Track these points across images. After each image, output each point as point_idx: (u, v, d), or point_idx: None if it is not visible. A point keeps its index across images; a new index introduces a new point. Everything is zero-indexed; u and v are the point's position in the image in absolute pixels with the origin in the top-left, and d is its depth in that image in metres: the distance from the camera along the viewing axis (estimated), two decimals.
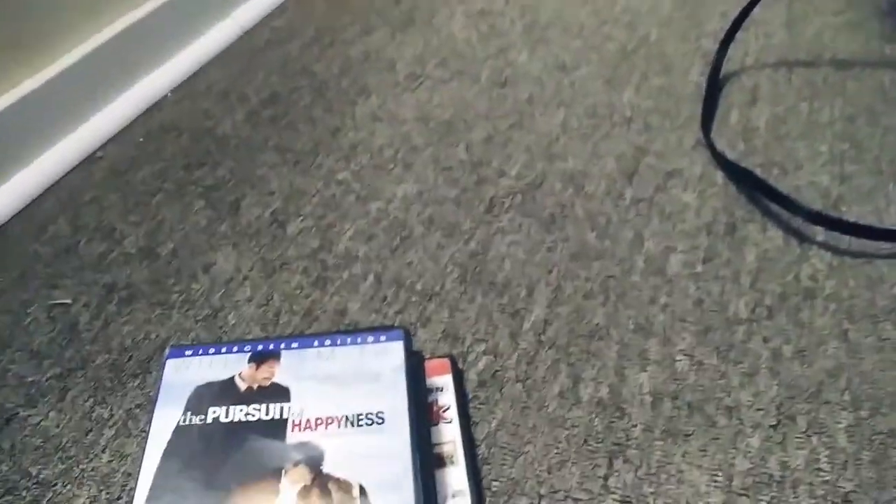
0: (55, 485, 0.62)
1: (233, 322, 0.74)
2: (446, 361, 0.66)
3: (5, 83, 0.87)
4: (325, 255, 0.80)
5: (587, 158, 0.89)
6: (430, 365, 0.65)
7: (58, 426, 0.66)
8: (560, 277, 0.75)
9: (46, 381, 0.70)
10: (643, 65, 1.04)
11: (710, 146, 0.88)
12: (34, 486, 0.62)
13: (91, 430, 0.66)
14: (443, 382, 0.64)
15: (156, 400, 0.57)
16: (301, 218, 0.84)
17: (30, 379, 0.70)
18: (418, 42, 1.13)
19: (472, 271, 0.77)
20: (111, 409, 0.67)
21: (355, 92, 1.03)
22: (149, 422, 0.56)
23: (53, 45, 0.92)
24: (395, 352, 0.60)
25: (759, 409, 0.63)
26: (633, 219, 0.81)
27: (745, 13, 1.00)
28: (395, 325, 0.70)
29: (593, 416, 0.63)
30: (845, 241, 0.76)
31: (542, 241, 0.79)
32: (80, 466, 0.63)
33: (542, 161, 0.89)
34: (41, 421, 0.67)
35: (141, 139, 0.97)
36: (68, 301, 0.77)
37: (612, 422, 0.62)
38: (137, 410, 0.67)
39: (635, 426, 0.62)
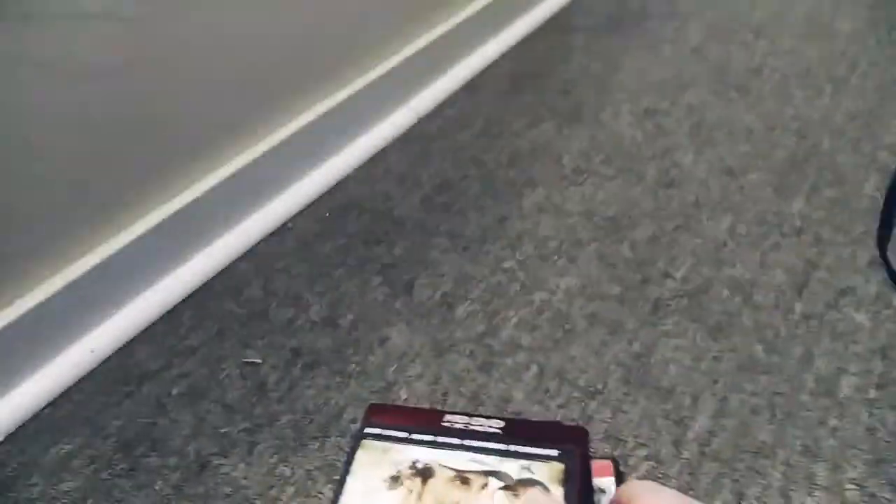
0: None
1: (404, 397, 0.79)
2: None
3: (217, 162, 0.99)
4: (490, 341, 0.84)
5: (755, 268, 0.89)
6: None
7: (245, 478, 0.73)
8: (726, 389, 0.75)
9: (237, 433, 0.78)
10: (814, 174, 1.04)
11: (887, 265, 0.86)
12: None
13: (274, 486, 0.72)
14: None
15: (345, 474, 0.62)
16: (469, 302, 0.90)
17: (223, 430, 0.78)
18: (584, 137, 1.18)
19: (636, 372, 0.78)
20: (293, 468, 0.73)
21: (522, 183, 1.09)
22: (338, 494, 0.61)
23: (256, 130, 1.04)
24: None
25: None
26: (803, 335, 0.80)
27: None
28: (574, 422, 0.73)
29: None
30: None
31: (708, 348, 0.80)
32: None
33: (708, 266, 0.90)
34: (231, 471, 0.74)
35: (327, 214, 1.06)
36: (259, 361, 0.85)
37: None
38: (317, 472, 0.73)
39: None
